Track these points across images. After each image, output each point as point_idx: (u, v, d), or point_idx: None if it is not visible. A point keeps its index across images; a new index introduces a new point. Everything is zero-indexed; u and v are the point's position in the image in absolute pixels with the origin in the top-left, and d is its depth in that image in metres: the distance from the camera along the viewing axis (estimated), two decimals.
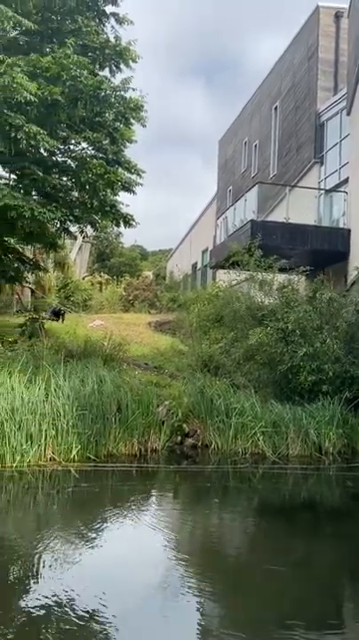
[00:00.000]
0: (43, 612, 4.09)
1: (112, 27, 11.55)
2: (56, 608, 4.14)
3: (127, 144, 11.89)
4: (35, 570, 4.91)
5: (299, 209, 15.58)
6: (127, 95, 11.16)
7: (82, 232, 13.79)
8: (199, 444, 9.54)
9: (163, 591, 4.70)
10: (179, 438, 9.58)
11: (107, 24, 11.64)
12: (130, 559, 5.31)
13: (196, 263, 28.97)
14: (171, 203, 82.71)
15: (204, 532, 6.45)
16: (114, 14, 11.51)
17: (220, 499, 7.72)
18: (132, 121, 11.43)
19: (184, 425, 9.65)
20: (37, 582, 4.68)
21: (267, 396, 10.12)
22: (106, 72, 11.54)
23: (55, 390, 8.68)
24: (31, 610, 4.13)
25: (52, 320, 16.09)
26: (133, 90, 11.13)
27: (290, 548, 5.85)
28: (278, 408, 9.70)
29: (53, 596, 4.31)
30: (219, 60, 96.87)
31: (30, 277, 18.13)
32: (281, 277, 11.75)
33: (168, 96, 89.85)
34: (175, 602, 4.50)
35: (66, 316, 17.28)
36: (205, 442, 9.53)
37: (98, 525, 6.22)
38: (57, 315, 16.59)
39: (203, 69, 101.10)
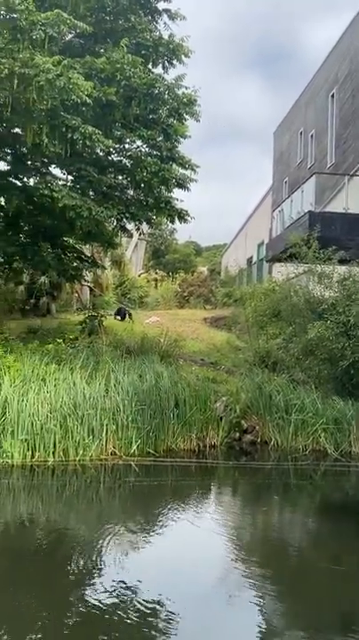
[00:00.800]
0: (103, 602, 4.17)
1: (164, 23, 11.56)
2: (117, 599, 4.21)
3: (181, 140, 11.87)
4: (96, 562, 5.02)
5: None
6: (180, 91, 11.15)
7: (138, 229, 13.93)
8: (258, 440, 9.44)
9: (223, 587, 4.68)
10: (238, 434, 9.52)
11: (159, 21, 11.66)
12: (190, 554, 5.32)
13: (252, 257, 28.59)
14: (226, 197, 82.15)
15: (265, 529, 6.37)
16: (166, 10, 11.51)
17: (281, 496, 7.61)
18: (186, 116, 11.40)
19: (242, 421, 9.58)
20: (99, 574, 4.78)
21: (327, 393, 9.87)
22: (158, 68, 11.59)
23: (115, 386, 8.83)
24: (92, 600, 4.22)
25: (118, 320, 16.19)
26: (186, 88, 11.13)
27: (352, 548, 5.68)
28: (340, 404, 9.44)
29: (114, 587, 4.39)
30: (275, 51, 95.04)
31: (88, 276, 18.52)
32: (341, 269, 11.39)
33: (223, 90, 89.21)
34: (236, 598, 4.48)
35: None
36: (264, 438, 9.41)
37: (159, 520, 6.28)
38: (121, 315, 16.62)
39: (259, 61, 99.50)
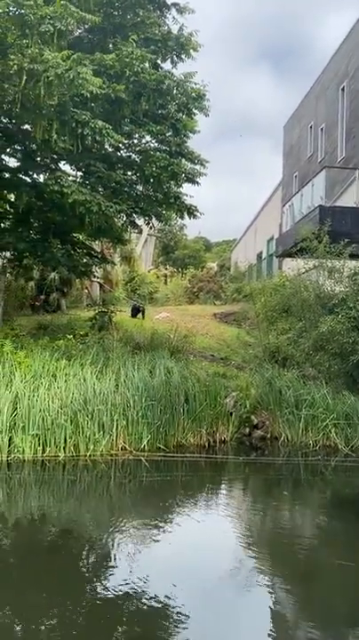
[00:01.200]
0: (115, 596, 4.19)
1: (173, 17, 11.50)
2: (128, 593, 4.23)
3: (190, 135, 11.85)
4: (107, 556, 5.04)
5: None
6: (189, 86, 11.11)
7: (148, 223, 13.92)
8: (268, 435, 9.43)
9: (233, 581, 4.68)
10: (248, 430, 9.52)
11: (168, 15, 11.60)
12: (200, 550, 5.32)
13: (261, 253, 28.46)
14: (236, 192, 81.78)
15: (274, 524, 6.36)
16: (174, 4, 11.44)
17: (291, 492, 7.59)
18: (195, 111, 11.36)
19: (252, 416, 9.57)
20: (109, 568, 4.80)
21: (338, 388, 9.82)
22: (167, 64, 11.54)
23: (125, 381, 8.85)
24: (104, 594, 4.24)
25: (135, 317, 16.17)
26: (195, 84, 11.09)
27: None
28: (351, 399, 9.40)
29: (126, 581, 4.40)
30: (287, 45, 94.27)
31: (98, 272, 18.55)
32: (351, 264, 11.31)
33: (234, 84, 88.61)
34: (245, 592, 4.48)
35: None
36: (274, 434, 9.39)
37: (169, 515, 6.29)
38: (135, 312, 16.59)
39: (271, 55, 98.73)
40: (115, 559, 4.98)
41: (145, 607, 4.04)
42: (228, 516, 6.40)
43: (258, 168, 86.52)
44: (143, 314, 16.42)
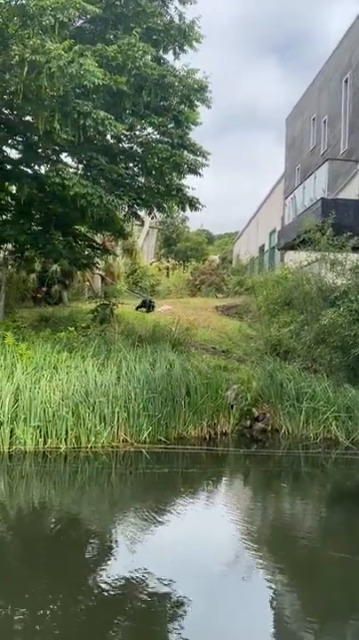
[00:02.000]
0: (116, 588, 4.22)
1: (175, 7, 11.41)
2: (129, 585, 4.26)
3: (192, 127, 11.79)
4: (109, 548, 5.07)
5: None
6: (190, 79, 11.04)
7: (149, 213, 13.90)
8: (269, 428, 9.45)
9: (233, 572, 4.72)
10: (249, 422, 9.54)
11: (170, 5, 11.51)
12: (200, 541, 5.36)
13: (264, 245, 28.40)
14: (238, 185, 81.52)
15: (274, 516, 6.39)
16: None
17: (291, 484, 7.61)
18: (197, 103, 11.30)
19: (253, 409, 9.59)
20: (111, 560, 4.84)
21: (339, 381, 9.83)
22: (169, 55, 11.46)
23: (126, 374, 8.86)
24: (105, 586, 4.27)
25: (143, 311, 16.16)
26: (197, 79, 11.01)
27: None
28: (351, 392, 9.40)
29: (126, 573, 4.43)
30: (294, 37, 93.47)
31: (100, 264, 18.54)
32: (353, 257, 11.28)
33: (236, 80, 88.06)
34: (245, 583, 4.51)
35: (136, 302, 17.40)
36: (275, 426, 9.42)
37: (169, 506, 6.32)
38: (146, 306, 16.55)
39: (274, 49, 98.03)
40: (115, 550, 5.02)
41: (145, 598, 4.07)
42: (228, 508, 6.43)
43: (260, 161, 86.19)
44: (148, 308, 16.41)
